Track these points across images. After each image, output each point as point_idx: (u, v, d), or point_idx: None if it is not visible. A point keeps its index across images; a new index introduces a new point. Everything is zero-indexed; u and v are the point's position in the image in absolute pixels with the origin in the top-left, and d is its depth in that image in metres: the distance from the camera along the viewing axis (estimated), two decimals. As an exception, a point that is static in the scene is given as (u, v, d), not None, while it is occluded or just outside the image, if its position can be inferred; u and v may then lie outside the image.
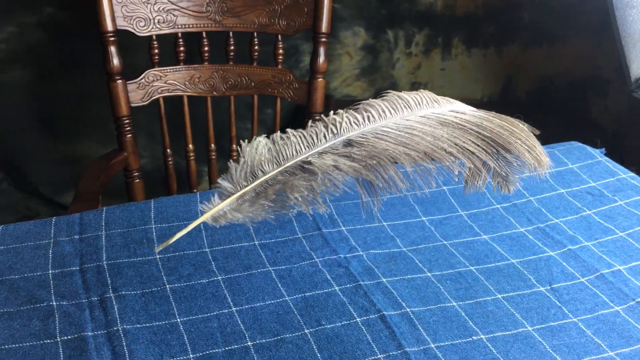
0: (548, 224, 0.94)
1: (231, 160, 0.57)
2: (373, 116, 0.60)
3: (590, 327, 0.75)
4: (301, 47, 2.11)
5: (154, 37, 1.39)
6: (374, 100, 0.62)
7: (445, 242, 0.89)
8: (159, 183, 1.82)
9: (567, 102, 2.20)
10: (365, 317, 0.74)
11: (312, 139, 0.58)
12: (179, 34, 1.41)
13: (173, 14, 1.40)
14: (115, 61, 1.35)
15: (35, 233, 0.84)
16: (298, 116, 2.06)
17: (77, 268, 0.79)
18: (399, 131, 0.59)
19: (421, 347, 0.70)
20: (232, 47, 1.44)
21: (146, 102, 1.42)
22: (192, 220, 0.62)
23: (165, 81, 1.43)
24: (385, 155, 0.56)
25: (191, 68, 1.44)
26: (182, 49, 1.42)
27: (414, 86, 2.23)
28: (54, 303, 0.73)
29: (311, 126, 0.60)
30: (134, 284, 0.77)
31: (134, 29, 1.37)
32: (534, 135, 0.65)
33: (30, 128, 1.99)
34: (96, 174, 1.29)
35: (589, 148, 1.14)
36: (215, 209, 0.55)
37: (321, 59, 1.43)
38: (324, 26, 1.41)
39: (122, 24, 1.35)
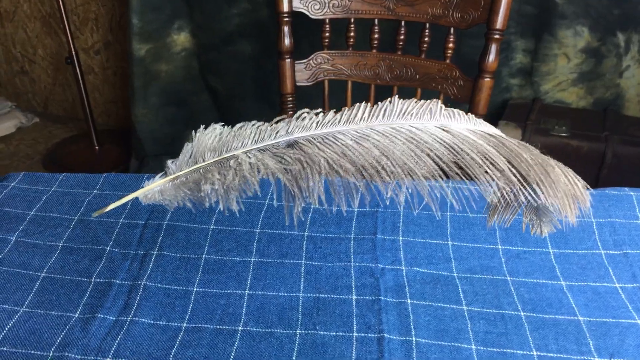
0: (656, 286, 0.76)
1: (187, 142, 0.58)
2: (339, 120, 0.55)
3: (630, 421, 0.60)
4: (514, 44, 1.97)
5: (327, 20, 1.42)
6: (362, 103, 0.57)
7: (508, 278, 0.78)
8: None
9: None
10: (362, 334, 0.69)
11: (265, 134, 0.55)
12: (351, 19, 1.42)
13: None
14: (287, 41, 1.42)
15: (128, 184, 0.94)
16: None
17: (143, 222, 0.87)
18: (351, 140, 0.53)
19: (401, 382, 0.63)
20: (402, 37, 1.41)
21: (311, 83, 1.47)
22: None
23: (332, 64, 1.46)
24: (314, 162, 0.51)
25: (358, 54, 1.45)
26: (352, 34, 1.43)
27: (644, 100, 1.92)
28: (108, 248, 0.82)
29: (277, 120, 0.57)
30: (179, 247, 0.83)
31: (309, 11, 1.42)
32: (548, 169, 0.53)
33: (252, 96, 2.20)
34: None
35: None
36: (149, 187, 0.57)
37: (491, 57, 1.32)
38: (500, 22, 1.30)
39: (297, 5, 1.41)
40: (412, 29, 1.41)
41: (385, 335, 0.69)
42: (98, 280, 0.78)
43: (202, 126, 0.57)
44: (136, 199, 0.57)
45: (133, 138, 2.23)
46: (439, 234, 0.84)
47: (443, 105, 0.57)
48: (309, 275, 0.78)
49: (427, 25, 1.38)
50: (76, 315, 0.72)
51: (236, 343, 0.68)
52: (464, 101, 1.37)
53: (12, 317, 0.72)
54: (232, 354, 0.67)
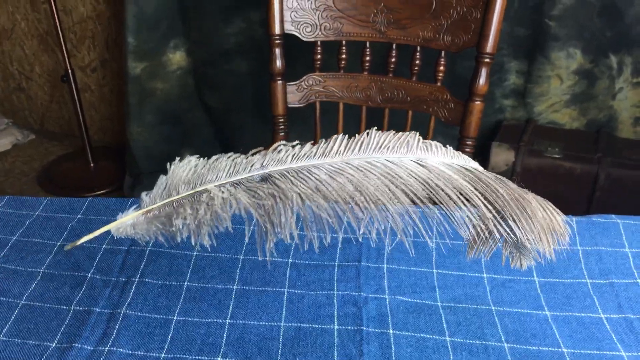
0: (642, 317, 0.75)
1: (161, 175, 0.57)
2: (316, 153, 0.55)
3: None
4: (507, 65, 1.97)
5: (319, 42, 1.43)
6: (339, 136, 0.56)
7: (492, 308, 0.77)
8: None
9: None
10: (343, 366, 0.68)
11: (239, 167, 0.55)
12: (343, 42, 1.43)
13: (340, 22, 1.42)
14: (279, 63, 1.42)
15: (113, 209, 0.94)
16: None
17: (126, 248, 0.87)
18: (325, 174, 0.52)
19: (380, 416, 0.62)
20: (393, 59, 1.41)
21: (303, 104, 1.47)
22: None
23: (323, 86, 1.46)
24: (288, 197, 0.51)
25: (350, 76, 1.45)
26: (344, 56, 1.43)
27: (638, 122, 1.92)
28: (89, 275, 0.82)
29: (252, 153, 0.57)
30: (161, 274, 0.82)
31: (300, 34, 1.42)
32: (525, 203, 0.52)
33: (246, 113, 2.20)
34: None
35: None
36: (121, 220, 0.56)
37: (482, 80, 1.32)
38: (490, 46, 1.30)
39: (289, 28, 1.41)
40: (404, 52, 1.41)
41: (365, 367, 0.68)
42: (77, 308, 0.77)
43: (178, 158, 0.57)
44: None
45: (127, 155, 2.23)
46: (424, 261, 0.83)
47: (421, 138, 0.56)
48: (291, 304, 0.77)
49: (418, 48, 1.38)
50: (53, 345, 0.71)
51: (214, 374, 0.68)
52: (454, 124, 1.36)
53: (-11, 347, 0.71)
54: (210, 386, 0.66)
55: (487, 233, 0.52)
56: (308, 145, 0.56)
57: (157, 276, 0.82)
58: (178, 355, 0.70)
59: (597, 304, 0.77)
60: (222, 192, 0.53)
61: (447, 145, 0.58)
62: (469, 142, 1.36)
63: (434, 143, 0.57)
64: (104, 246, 0.87)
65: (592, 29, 1.84)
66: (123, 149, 2.39)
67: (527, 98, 1.98)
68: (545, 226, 0.53)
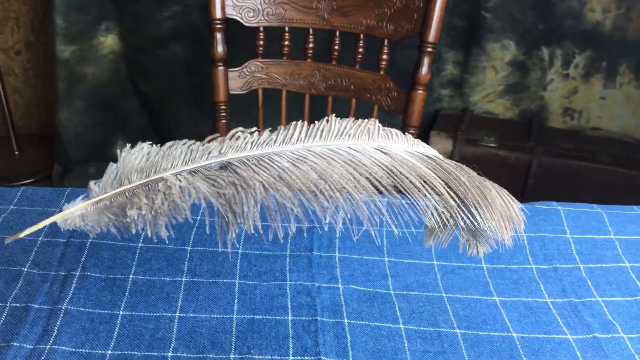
0: (585, 301, 0.78)
1: (111, 162, 0.54)
2: (275, 140, 0.53)
3: None
4: (444, 55, 2.00)
5: (261, 28, 1.40)
6: (298, 122, 0.55)
7: (443, 294, 0.77)
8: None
9: None
10: (299, 357, 0.67)
11: (196, 154, 0.53)
12: (286, 28, 1.40)
13: (282, 8, 1.40)
14: (220, 48, 1.39)
15: (48, 200, 0.89)
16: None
17: (65, 240, 0.82)
18: (287, 162, 0.51)
19: (338, 407, 0.62)
20: (336, 47, 1.40)
21: (245, 91, 1.44)
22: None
23: (266, 73, 1.44)
24: (250, 186, 0.49)
25: (293, 63, 1.43)
26: (287, 43, 1.41)
27: (567, 112, 2.00)
28: (25, 269, 0.77)
29: (208, 140, 0.55)
30: (104, 267, 0.78)
31: (242, 19, 1.39)
32: (485, 191, 0.53)
33: (182, 101, 2.14)
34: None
35: (694, 218, 0.92)
36: (69, 211, 0.53)
37: (424, 69, 1.33)
38: (432, 35, 1.31)
39: (231, 12, 1.38)
40: (347, 40, 1.40)
41: (322, 357, 0.67)
42: (14, 304, 0.72)
43: (128, 145, 0.54)
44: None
45: (56, 143, 2.13)
46: (376, 250, 0.83)
47: (380, 125, 0.56)
48: (243, 296, 0.75)
49: (362, 36, 1.38)
50: (-11, 344, 0.67)
51: (165, 370, 0.65)
52: (397, 112, 1.37)
53: None
54: (161, 383, 0.64)
55: (451, 221, 0.52)
56: (266, 132, 0.54)
57: (100, 269, 0.78)
58: (126, 352, 0.67)
59: (542, 288, 0.79)
60: (180, 181, 0.50)
61: (407, 133, 0.57)
62: (412, 131, 1.37)
63: (393, 131, 0.56)
64: (40, 239, 0.82)
65: (525, 22, 1.90)
66: (50, 136, 2.28)
67: (463, 88, 2.02)
68: (503, 213, 0.53)
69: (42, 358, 0.65)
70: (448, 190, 0.51)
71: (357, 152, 0.52)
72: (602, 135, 1.91)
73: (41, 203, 0.88)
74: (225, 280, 0.77)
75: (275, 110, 1.46)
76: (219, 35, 1.38)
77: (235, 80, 1.43)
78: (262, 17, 1.39)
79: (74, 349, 0.67)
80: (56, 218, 0.53)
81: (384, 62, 1.37)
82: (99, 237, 0.83)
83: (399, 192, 0.50)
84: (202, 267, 0.79)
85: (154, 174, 0.52)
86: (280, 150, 0.52)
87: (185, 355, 0.67)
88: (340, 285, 0.77)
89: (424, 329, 0.72)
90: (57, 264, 0.78)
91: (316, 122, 0.55)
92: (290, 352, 0.68)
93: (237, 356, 0.67)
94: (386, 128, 0.56)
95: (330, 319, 0.72)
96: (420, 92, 1.34)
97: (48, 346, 0.67)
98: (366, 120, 0.56)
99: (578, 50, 1.90)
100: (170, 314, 0.72)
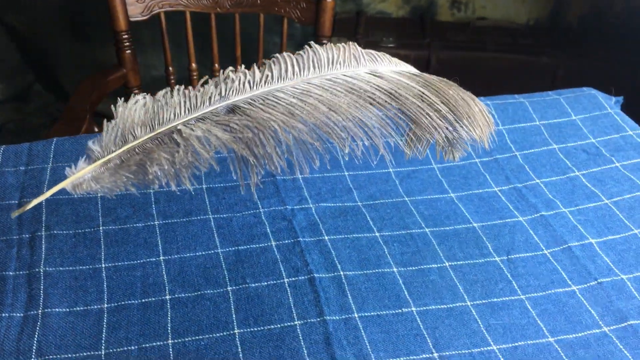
0: (527, 184, 0.86)
1: (105, 120, 0.52)
2: (272, 76, 0.54)
3: (537, 306, 0.69)
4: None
5: (155, -53, 1.31)
6: (284, 54, 0.55)
7: (406, 199, 0.83)
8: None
9: (626, 30, 1.99)
10: (293, 279, 0.70)
11: (196, 101, 0.52)
12: (182, -55, 1.33)
13: None
14: (113, -28, 1.29)
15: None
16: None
17: (16, 202, 0.78)
18: (293, 97, 0.52)
19: (342, 317, 0.66)
20: (237, -39, 1.35)
21: (146, 17, 1.36)
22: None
23: (166, -5, 1.36)
24: (266, 127, 0.50)
25: (194, -18, 1.36)
26: (184, -39, 1.34)
27: (454, 5, 2.07)
28: (-15, 238, 0.73)
29: (202, 84, 0.54)
30: (68, 223, 0.76)
31: (133, -62, 1.29)
32: (469, 101, 0.57)
33: (60, 32, 1.99)
34: (90, 89, 1.27)
35: (601, 97, 1.03)
36: (76, 176, 0.51)
37: (331, -23, 1.32)
38: (335, -59, 1.29)
39: None
40: (248, -48, 1.35)
41: (315, 275, 0.71)
42: (-14, 276, 0.69)
43: (121, 99, 0.52)
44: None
45: None
46: (335, 166, 0.86)
47: (361, 48, 0.57)
48: (221, 229, 0.76)
49: (263, -54, 1.33)
50: (-25, 321, 0.64)
51: (169, 313, 0.66)
52: (308, 23, 1.37)
53: None
54: (169, 325, 0.65)
55: (443, 135, 0.56)
56: (256, 70, 0.54)
57: (66, 226, 0.75)
58: (123, 302, 0.67)
59: (489, 179, 0.87)
60: (194, 130, 0.49)
61: (384, 53, 0.59)
62: (324, 42, 1.37)
63: (374, 52, 0.58)
64: (-12, 204, 0.77)
65: None
66: None
67: (355, -10, 2.02)
68: (482, 121, 0.58)
69: (38, 323, 0.64)
70: (442, 105, 0.54)
71: (353, 78, 0.54)
72: (489, 25, 2.01)
73: (-24, 166, 0.82)
74: (199, 217, 0.78)
75: (181, 32, 1.40)
76: (110, -42, 1.28)
77: (134, 6, 1.35)
78: None
79: (68, 309, 0.66)
80: (65, 184, 0.50)
81: (289, -27, 1.35)
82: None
83: (403, 114, 0.52)
84: (171, 208, 0.79)
85: (160, 126, 0.50)
86: (280, 87, 0.52)
87: (183, 295, 0.68)
88: (311, 205, 0.80)
89: (397, 232, 0.77)
90: (17, 227, 0.75)
91: (301, 52, 0.55)
92: (284, 275, 0.71)
93: (233, 287, 0.69)
94: (367, 50, 0.58)
95: (311, 238, 0.76)
96: (329, 1, 1.34)
97: (40, 311, 0.65)
98: (345, 44, 0.57)
99: (460, -58, 1.95)
100: (154, 259, 0.72)
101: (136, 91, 1.41)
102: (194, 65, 1.43)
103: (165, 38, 1.39)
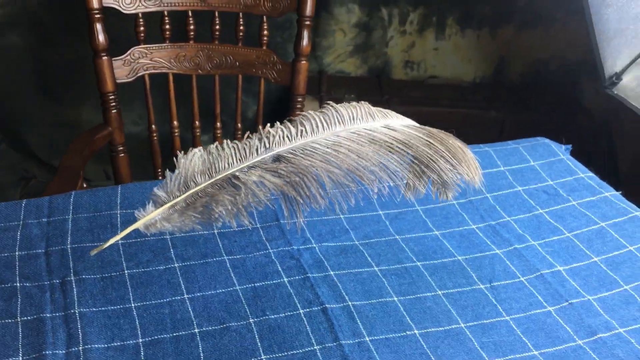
0: (499, 222, 0.98)
1: (167, 170, 0.61)
2: (306, 131, 0.64)
3: (520, 325, 0.80)
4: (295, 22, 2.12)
5: (140, 14, 1.41)
6: (311, 112, 0.65)
7: (397, 237, 0.93)
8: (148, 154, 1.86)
9: (559, 85, 2.21)
10: (308, 309, 0.79)
11: (245, 152, 0.61)
12: (165, 12, 1.43)
13: (159, -8, 1.42)
14: (101, 38, 1.38)
15: (5, 215, 0.89)
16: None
17: (43, 251, 0.84)
18: (327, 147, 0.62)
19: (356, 340, 0.75)
20: (217, 27, 1.46)
21: (132, 79, 1.45)
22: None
23: (150, 58, 1.46)
24: (309, 172, 0.60)
25: (176, 46, 1.46)
26: (167, 27, 1.44)
27: (407, 64, 2.24)
28: (18, 284, 0.78)
29: (247, 138, 0.63)
30: (95, 268, 0.82)
31: (120, 6, 1.39)
32: (464, 149, 0.68)
33: (29, 92, 2.04)
34: (80, 148, 1.33)
35: (553, 145, 1.17)
36: (148, 217, 0.59)
37: (304, 41, 1.45)
38: (308, 9, 1.43)
39: (108, 1, 1.37)
40: (228, 19, 1.47)
41: (326, 305, 0.79)
42: (25, 318, 0.74)
43: (181, 152, 0.60)
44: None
45: None
46: (331, 210, 0.96)
47: (372, 107, 0.68)
48: (236, 269, 0.84)
49: (241, 14, 1.45)
50: (21, 359, 0.69)
51: (200, 345, 0.73)
52: (284, 83, 1.48)
53: (-52, 379, 0.66)
54: (201, 355, 0.72)
55: (450, 178, 0.66)
56: (290, 125, 0.64)
57: (93, 271, 0.81)
58: (156, 337, 0.74)
59: (467, 218, 0.98)
60: (250, 176, 0.58)
61: (390, 110, 0.70)
62: (299, 99, 1.49)
63: (383, 109, 0.69)
64: (17, 253, 0.83)
65: (364, -14, 2.08)
66: None
67: (316, 51, 2.17)
68: (472, 165, 0.69)
69: (81, 358, 0.70)
70: (446, 152, 0.65)
71: (373, 131, 0.64)
72: (440, 82, 2.19)
73: (1, 218, 0.87)
74: (215, 259, 0.85)
75: (163, 93, 1.49)
76: (98, 26, 1.37)
77: (121, 69, 1.43)
78: (140, 3, 1.41)
79: (106, 345, 0.72)
80: (138, 225, 0.58)
81: (265, 38, 1.47)
82: (77, 242, 0.86)
83: (418, 160, 0.63)
84: (188, 252, 0.86)
85: (217, 173, 0.59)
86: (314, 139, 0.62)
87: (211, 328, 0.75)
88: (315, 245, 0.89)
89: (393, 266, 0.87)
90: (46, 273, 0.81)
91: (324, 110, 0.65)
92: (299, 307, 0.79)
93: (255, 319, 0.77)
94: (377, 108, 0.68)
95: (318, 273, 0.84)
96: (303, 63, 1.46)
97: (80, 347, 0.71)
98: (360, 103, 0.67)
99: (412, 8, 2.14)
100: (179, 297, 0.79)
101: (120, 148, 1.48)
102: (175, 122, 1.52)
103: (149, 98, 1.48)
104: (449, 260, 0.90)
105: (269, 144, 0.62)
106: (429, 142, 0.66)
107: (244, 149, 0.62)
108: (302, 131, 0.63)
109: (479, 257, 0.91)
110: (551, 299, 0.84)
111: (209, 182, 0.60)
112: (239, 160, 0.61)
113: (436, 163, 0.65)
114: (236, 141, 0.62)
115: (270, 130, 0.63)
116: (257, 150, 0.61)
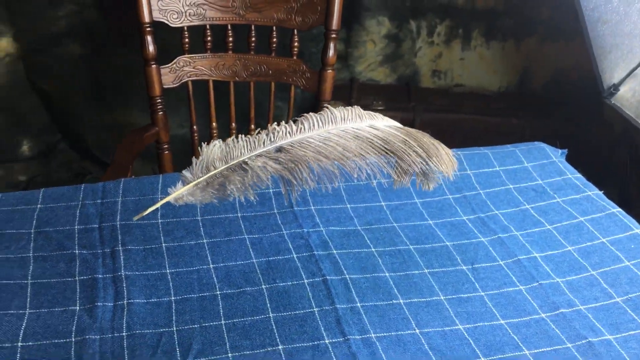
0: (488, 214, 1.11)
1: (194, 157, 0.77)
2: (304, 128, 0.79)
3: (492, 300, 0.93)
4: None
5: (185, 28, 1.59)
6: (310, 113, 0.81)
7: (395, 224, 1.07)
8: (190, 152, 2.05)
9: (580, 95, 2.30)
10: (311, 279, 0.94)
11: (254, 144, 0.77)
12: (207, 26, 1.61)
13: (202, 8, 1.60)
14: (151, 48, 1.57)
15: (68, 196, 1.07)
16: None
17: (97, 226, 1.02)
18: (319, 141, 0.77)
19: (349, 305, 0.90)
20: (253, 39, 1.63)
21: (176, 85, 1.64)
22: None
23: (194, 66, 1.64)
24: (302, 160, 0.75)
25: (216, 56, 1.64)
26: (209, 39, 1.62)
27: (435, 74, 2.37)
28: (77, 251, 0.96)
29: (258, 132, 0.79)
30: (139, 241, 0.99)
31: (168, 21, 1.58)
32: (437, 146, 0.83)
33: (84, 96, 2.26)
34: (130, 145, 1.52)
35: (548, 149, 1.29)
36: (177, 193, 0.76)
37: (331, 52, 1.61)
38: (334, 23, 1.58)
39: (157, 16, 1.56)
40: (263, 32, 1.64)
41: (327, 277, 0.94)
42: (82, 277, 0.92)
43: (205, 143, 0.77)
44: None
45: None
46: (339, 200, 1.11)
47: (362, 110, 0.83)
48: (254, 246, 1.00)
49: (274, 28, 1.62)
50: (78, 308, 0.87)
51: (220, 303, 0.89)
52: (312, 90, 1.64)
53: (22, 319, 0.84)
54: (221, 311, 0.88)
55: (419, 167, 0.81)
56: (293, 124, 0.79)
57: (137, 243, 0.99)
58: (185, 296, 0.90)
59: (459, 211, 1.12)
60: (256, 163, 0.74)
61: (378, 113, 0.85)
62: (325, 105, 1.65)
63: (372, 112, 0.83)
64: (76, 227, 1.01)
65: (393, 0, 2.23)
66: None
67: (349, 61, 2.32)
68: (446, 160, 0.83)
69: (126, 310, 0.87)
70: (418, 148, 0.80)
71: (359, 130, 0.79)
72: (466, 91, 2.31)
73: (63, 199, 1.06)
74: (237, 237, 1.02)
75: (204, 97, 1.67)
76: (149, 38, 1.56)
77: (167, 76, 1.62)
78: (186, 17, 1.59)
79: (145, 300, 0.89)
80: (170, 198, 0.74)
81: (295, 49, 1.63)
82: (124, 219, 1.03)
83: (392, 152, 0.78)
84: (215, 230, 1.03)
85: (231, 160, 0.75)
86: (310, 135, 0.77)
87: (230, 291, 0.91)
88: (322, 229, 1.04)
89: (389, 248, 1.02)
90: (99, 244, 0.98)
91: (322, 112, 0.81)
92: (304, 277, 0.94)
93: (267, 286, 0.93)
94: (367, 111, 0.83)
95: (323, 252, 1.00)
96: (330, 72, 1.62)
97: (125, 301, 0.88)
98: (353, 107, 0.83)
99: (439, 20, 2.27)
100: (206, 267, 0.96)
101: (165, 146, 1.67)
102: (214, 124, 1.70)
103: (192, 102, 1.66)
104: (438, 245, 1.04)
105: (274, 137, 0.77)
106: (405, 139, 0.80)
107: (254, 141, 0.77)
108: (301, 128, 0.79)
109: (465, 243, 1.04)
110: (524, 279, 0.97)
111: (225, 166, 0.76)
112: (249, 150, 0.77)
113: (409, 156, 0.79)
114: (248, 135, 0.78)
115: (276, 127, 0.78)
116: (264, 142, 0.77)
